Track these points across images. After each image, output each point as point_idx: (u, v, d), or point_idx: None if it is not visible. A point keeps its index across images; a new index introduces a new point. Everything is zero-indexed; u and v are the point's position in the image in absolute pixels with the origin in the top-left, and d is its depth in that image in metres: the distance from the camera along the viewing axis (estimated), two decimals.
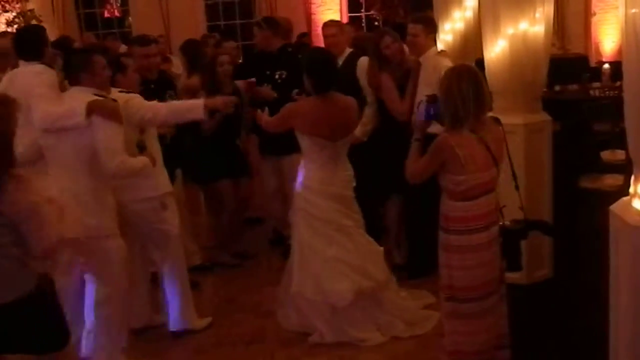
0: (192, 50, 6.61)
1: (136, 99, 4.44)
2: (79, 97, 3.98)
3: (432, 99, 3.65)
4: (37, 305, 3.19)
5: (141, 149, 4.29)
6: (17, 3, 12.33)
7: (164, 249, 4.73)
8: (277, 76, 6.09)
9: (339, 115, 4.58)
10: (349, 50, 6.08)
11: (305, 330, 4.67)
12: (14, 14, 12.02)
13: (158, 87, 5.44)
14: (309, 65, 4.65)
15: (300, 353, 4.50)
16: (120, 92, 4.41)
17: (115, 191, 4.38)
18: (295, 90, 5.27)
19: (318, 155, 4.58)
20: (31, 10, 12.05)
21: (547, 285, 4.75)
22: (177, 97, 5.60)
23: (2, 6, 12.13)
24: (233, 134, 6.00)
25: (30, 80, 4.37)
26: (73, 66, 4.15)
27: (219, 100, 4.77)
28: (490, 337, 3.65)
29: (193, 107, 4.57)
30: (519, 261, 3.73)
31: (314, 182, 4.61)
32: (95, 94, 4.04)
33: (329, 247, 4.57)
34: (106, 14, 14.03)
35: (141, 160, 4.20)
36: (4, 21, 11.93)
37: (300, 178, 4.68)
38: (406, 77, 5.49)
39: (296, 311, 4.74)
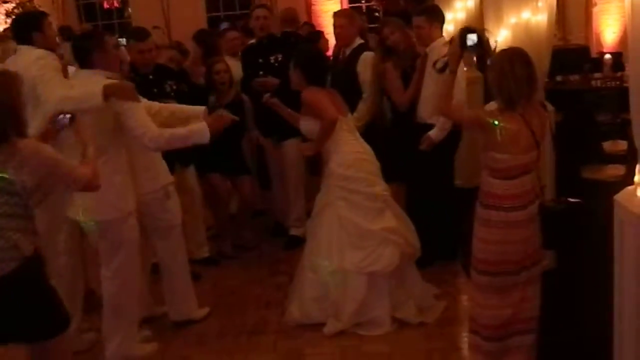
0: (206, 39, 6.59)
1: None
2: (93, 80, 3.97)
3: (467, 30, 3.63)
4: (20, 286, 3.10)
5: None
6: None
7: (166, 238, 4.72)
8: (272, 60, 6.05)
9: (337, 95, 4.77)
10: (358, 41, 5.94)
11: (309, 321, 4.66)
12: (14, 4, 12.00)
13: (156, 78, 5.41)
14: (301, 60, 4.71)
15: (303, 343, 4.49)
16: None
17: None
18: (267, 95, 5.20)
19: (340, 131, 4.65)
20: (30, 1, 12.02)
21: (549, 276, 4.75)
22: (180, 87, 5.58)
23: None
24: (234, 137, 5.92)
25: (30, 65, 4.33)
26: (84, 48, 4.14)
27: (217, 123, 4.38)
28: (515, 313, 3.64)
29: (196, 132, 4.23)
30: (556, 239, 3.72)
31: (348, 155, 4.64)
32: (109, 77, 4.05)
33: (371, 221, 4.60)
34: (105, 5, 14.00)
35: (185, 130, 4.17)
36: (4, 12, 11.91)
37: (334, 159, 4.66)
38: (412, 66, 5.47)
39: (312, 298, 4.67)
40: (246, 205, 6.33)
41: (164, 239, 4.73)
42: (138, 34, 5.52)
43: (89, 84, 3.96)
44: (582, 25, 11.55)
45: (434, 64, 5.02)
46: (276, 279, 5.44)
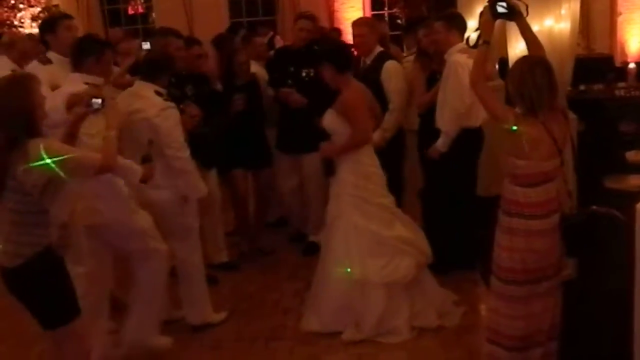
0: (224, 45, 6.60)
1: None
2: (70, 86, 4.03)
3: None
4: (32, 277, 3.25)
5: (145, 160, 4.21)
6: None
7: (183, 241, 4.73)
8: (304, 74, 5.99)
9: (366, 97, 4.75)
10: (378, 49, 5.86)
11: (326, 330, 4.64)
12: (39, 9, 12.14)
13: (178, 81, 5.44)
14: (326, 53, 4.72)
15: (320, 350, 4.48)
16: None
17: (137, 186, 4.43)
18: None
19: None
20: (56, 6, 12.15)
21: (570, 285, 4.69)
22: (199, 91, 5.60)
23: (28, 1, 12.25)
24: (252, 125, 5.94)
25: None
26: (83, 51, 4.19)
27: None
28: (536, 323, 3.60)
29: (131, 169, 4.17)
30: (578, 249, 3.67)
31: (363, 166, 4.64)
32: (86, 82, 4.08)
33: (385, 228, 4.61)
34: (130, 11, 14.09)
35: (127, 161, 4.07)
36: (30, 16, 12.05)
37: (346, 166, 4.65)
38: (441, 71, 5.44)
39: (330, 307, 4.65)
40: (262, 200, 6.30)
41: (181, 241, 4.74)
42: (176, 32, 5.60)
43: (60, 96, 3.99)
44: (606, 34, 11.44)
45: (466, 40, 4.97)
46: (294, 284, 5.42)
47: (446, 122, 5.19)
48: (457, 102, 5.02)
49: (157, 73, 4.59)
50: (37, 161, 3.08)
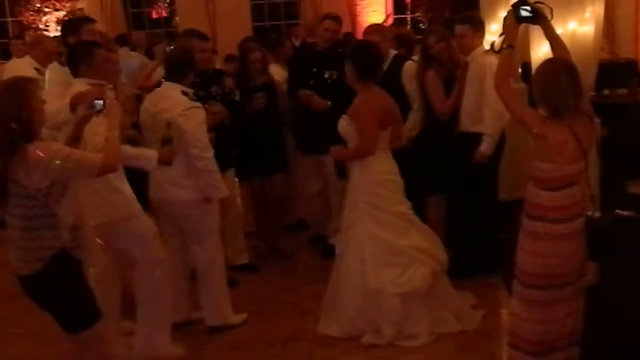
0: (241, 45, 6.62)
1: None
2: (75, 91, 4.04)
3: (521, 2, 3.60)
4: (49, 283, 3.26)
5: (165, 142, 4.28)
6: (67, 2, 12.60)
7: (203, 243, 4.74)
8: (327, 76, 5.96)
9: (387, 104, 4.67)
10: (393, 52, 5.91)
11: (345, 336, 4.61)
12: (64, 12, 12.28)
13: (203, 81, 5.45)
14: (354, 53, 4.67)
15: (339, 353, 4.47)
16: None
17: (160, 183, 4.56)
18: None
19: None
20: (81, 9, 12.30)
21: (592, 290, 4.65)
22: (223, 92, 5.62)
23: (53, 4, 12.41)
24: (268, 129, 5.94)
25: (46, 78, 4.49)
26: (75, 58, 4.25)
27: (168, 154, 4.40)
28: (557, 328, 3.57)
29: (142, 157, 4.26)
30: (602, 252, 3.63)
31: (376, 173, 4.60)
32: (91, 84, 4.09)
33: (401, 237, 4.58)
34: (154, 15, 14.20)
35: (134, 148, 4.21)
36: (55, 20, 12.20)
37: (359, 173, 4.64)
38: (454, 76, 5.44)
39: (346, 314, 4.63)
40: (277, 204, 6.28)
41: (201, 243, 4.75)
42: (199, 34, 5.58)
43: (68, 97, 4.01)
44: (631, 39, 11.35)
45: (491, 45, 4.96)
46: (313, 287, 5.40)
47: (490, 123, 5.15)
48: (500, 104, 4.96)
49: (180, 72, 4.60)
50: (37, 165, 3.08)
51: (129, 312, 4.51)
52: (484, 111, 5.17)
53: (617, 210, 3.68)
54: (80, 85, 4.15)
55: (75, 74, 4.25)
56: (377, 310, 4.53)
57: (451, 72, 5.49)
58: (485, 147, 5.18)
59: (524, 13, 3.59)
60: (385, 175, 4.63)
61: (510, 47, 3.65)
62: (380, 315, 4.52)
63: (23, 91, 3.20)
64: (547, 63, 3.57)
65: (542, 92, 3.45)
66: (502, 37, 3.72)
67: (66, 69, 4.58)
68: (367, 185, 4.60)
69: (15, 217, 3.23)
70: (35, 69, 6.05)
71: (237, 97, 5.86)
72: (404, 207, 4.67)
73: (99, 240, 3.99)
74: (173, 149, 4.28)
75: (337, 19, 6.12)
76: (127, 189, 4.24)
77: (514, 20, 3.65)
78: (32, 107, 3.19)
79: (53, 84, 4.60)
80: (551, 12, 3.66)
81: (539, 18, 3.63)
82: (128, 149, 4.13)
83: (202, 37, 5.53)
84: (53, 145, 3.21)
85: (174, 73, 4.63)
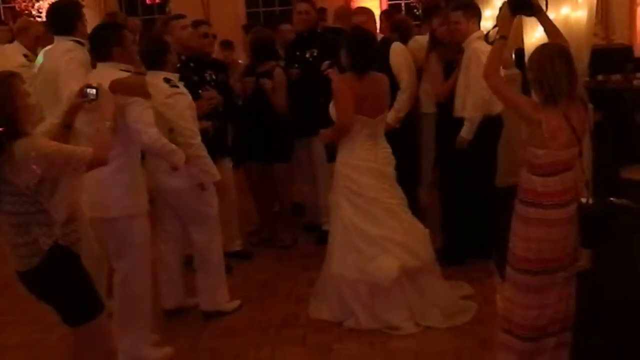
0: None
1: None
2: (105, 76, 3.88)
3: None
4: (48, 277, 3.24)
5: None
6: None
7: (201, 229, 4.75)
8: (307, 55, 6.06)
9: (377, 92, 4.64)
10: (379, 36, 6.02)
11: (336, 319, 4.65)
12: None
13: (198, 66, 5.43)
14: (349, 43, 4.66)
15: (332, 338, 4.48)
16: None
17: (154, 172, 4.53)
18: (326, 62, 5.23)
19: (358, 133, 4.58)
20: None
21: (584, 276, 4.66)
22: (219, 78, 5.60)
23: None
24: (268, 117, 5.94)
25: (59, 57, 4.36)
26: (104, 40, 4.11)
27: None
28: (550, 313, 3.58)
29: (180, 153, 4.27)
30: (595, 240, 3.64)
31: (356, 159, 4.60)
32: (123, 70, 4.02)
33: (373, 225, 4.54)
34: (147, 1, 14.13)
35: (177, 149, 4.21)
36: (46, 6, 12.10)
37: (340, 157, 4.66)
38: (457, 60, 5.43)
39: (332, 298, 4.68)
40: (277, 196, 6.29)
41: (199, 229, 4.76)
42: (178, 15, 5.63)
43: (104, 78, 3.85)
44: (625, 25, 11.34)
45: (486, 36, 4.97)
46: (308, 273, 5.41)
47: (470, 109, 5.17)
48: (481, 89, 4.98)
49: (156, 60, 4.55)
50: (24, 161, 3.04)
51: None
52: (466, 96, 5.19)
53: (612, 199, 3.68)
54: (108, 69, 4.00)
55: (105, 57, 4.09)
56: (348, 295, 4.55)
57: (455, 57, 5.46)
58: (465, 131, 5.19)
59: (519, 5, 3.59)
60: (370, 163, 4.60)
61: (504, 38, 3.64)
62: (351, 299, 4.54)
63: (6, 88, 3.12)
64: (542, 48, 3.57)
65: (536, 77, 3.44)
66: (496, 29, 3.71)
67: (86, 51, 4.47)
68: (348, 170, 4.60)
69: (7, 215, 3.19)
70: (24, 55, 5.97)
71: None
72: (385, 195, 4.61)
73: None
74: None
75: (308, 1, 6.21)
76: (132, 183, 4.13)
77: (509, 12, 3.64)
78: (16, 105, 3.10)
79: (81, 67, 4.45)
80: (546, 3, 3.66)
81: (534, 10, 3.63)
82: (168, 144, 4.14)
83: (182, 16, 5.59)
84: (41, 141, 3.14)
85: (152, 63, 4.56)
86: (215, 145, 4.86)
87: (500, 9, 3.75)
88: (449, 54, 5.53)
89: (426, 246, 4.67)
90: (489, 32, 4.90)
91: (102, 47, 4.09)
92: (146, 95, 4.01)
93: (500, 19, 3.72)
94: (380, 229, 4.54)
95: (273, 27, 6.86)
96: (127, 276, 4.17)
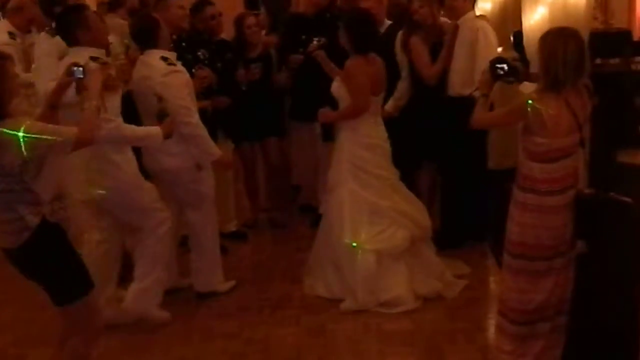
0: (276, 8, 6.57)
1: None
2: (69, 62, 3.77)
3: (497, 60, 3.67)
4: (37, 255, 3.20)
5: (161, 117, 4.21)
6: None
7: (197, 210, 4.75)
8: (315, 42, 5.84)
9: (379, 70, 4.73)
10: (387, 22, 5.87)
11: (332, 296, 4.67)
12: None
13: (189, 45, 5.39)
14: (349, 23, 4.68)
15: (326, 319, 4.48)
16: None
17: (153, 152, 4.52)
18: (314, 42, 5.20)
19: (364, 113, 4.66)
20: None
21: (580, 262, 4.66)
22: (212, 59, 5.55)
23: None
24: (262, 98, 5.90)
25: (35, 51, 4.34)
26: (67, 25, 4.07)
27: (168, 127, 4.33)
28: (546, 298, 3.57)
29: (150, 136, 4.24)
30: (588, 229, 3.62)
31: (360, 136, 4.67)
32: (92, 56, 3.94)
33: (382, 199, 4.63)
34: None
35: (142, 129, 4.19)
36: None
37: (344, 134, 4.71)
38: (441, 42, 5.38)
39: (330, 274, 4.70)
40: (271, 170, 6.27)
41: (195, 210, 4.76)
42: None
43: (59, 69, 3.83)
44: (625, 9, 11.26)
45: (470, 95, 4.96)
46: (302, 255, 5.40)
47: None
48: None
49: (149, 39, 4.51)
50: (8, 143, 2.98)
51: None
52: (475, 74, 5.12)
53: (611, 193, 3.65)
54: (78, 55, 3.91)
55: (72, 42, 4.07)
56: (351, 271, 4.56)
57: (437, 37, 5.41)
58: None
59: (500, 72, 3.64)
60: (373, 140, 4.69)
61: (485, 96, 3.70)
62: (353, 277, 4.54)
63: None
64: (556, 31, 3.51)
65: (545, 61, 3.40)
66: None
67: (55, 39, 4.47)
68: (354, 147, 4.66)
69: None
70: (9, 32, 5.87)
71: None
72: (388, 172, 4.73)
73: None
74: (170, 121, 4.21)
75: None
76: (130, 162, 4.24)
77: (490, 77, 3.68)
78: (3, 87, 3.05)
79: (44, 57, 4.43)
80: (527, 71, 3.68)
81: (516, 76, 3.63)
82: (136, 130, 4.13)
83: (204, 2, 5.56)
84: (24, 122, 3.06)
85: (146, 41, 4.53)
86: (218, 125, 4.83)
87: (483, 72, 3.77)
88: (431, 36, 5.44)
89: (425, 216, 4.82)
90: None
91: (67, 32, 4.08)
92: (113, 86, 3.94)
93: (481, 82, 3.77)
94: (390, 201, 4.65)
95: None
96: (152, 229, 4.37)
